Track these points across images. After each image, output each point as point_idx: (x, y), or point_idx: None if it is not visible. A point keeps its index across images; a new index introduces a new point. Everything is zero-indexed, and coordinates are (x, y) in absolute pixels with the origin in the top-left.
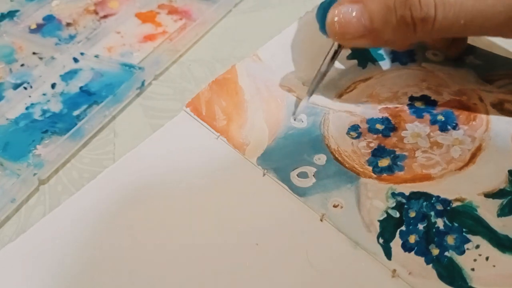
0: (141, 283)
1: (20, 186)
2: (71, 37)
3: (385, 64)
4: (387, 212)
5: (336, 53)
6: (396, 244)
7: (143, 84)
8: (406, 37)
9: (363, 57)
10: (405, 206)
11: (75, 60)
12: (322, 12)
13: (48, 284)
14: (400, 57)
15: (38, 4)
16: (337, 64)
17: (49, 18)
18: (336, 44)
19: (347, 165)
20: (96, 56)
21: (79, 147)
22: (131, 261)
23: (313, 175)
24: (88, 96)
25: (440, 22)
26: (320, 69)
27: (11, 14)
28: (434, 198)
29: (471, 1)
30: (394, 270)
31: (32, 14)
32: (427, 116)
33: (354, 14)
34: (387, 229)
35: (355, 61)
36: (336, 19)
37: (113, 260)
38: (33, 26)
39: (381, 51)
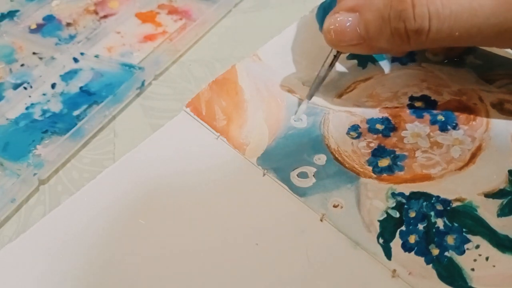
0: (141, 282)
1: (20, 186)
2: (71, 37)
3: (385, 64)
4: (387, 212)
5: (334, 58)
6: (396, 244)
7: (143, 84)
8: (401, 47)
9: (363, 57)
10: (405, 206)
11: (75, 60)
12: (322, 13)
13: (48, 284)
14: (400, 57)
15: (38, 4)
16: (337, 64)
17: (49, 18)
18: (334, 50)
19: (347, 165)
20: (96, 56)
21: (79, 147)
22: (131, 261)
23: (313, 175)
24: (88, 96)
25: (434, 34)
26: (319, 74)
27: (11, 14)
28: (434, 198)
29: (466, 13)
30: (394, 270)
31: (32, 14)
32: (427, 116)
33: (349, 23)
34: (387, 229)
35: (355, 61)
36: (332, 27)
37: (113, 259)
38: (33, 26)
39: None
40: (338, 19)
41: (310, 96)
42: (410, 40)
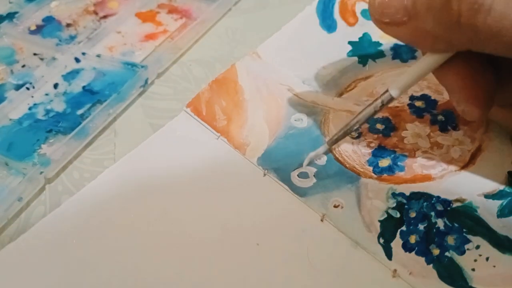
0: (141, 282)
1: (26, 185)
2: (72, 38)
3: (386, 61)
4: (387, 212)
5: (380, 107)
6: (396, 244)
7: (146, 82)
8: (449, 30)
9: (363, 54)
10: (406, 206)
11: (77, 60)
12: (323, 7)
13: (49, 284)
14: (401, 54)
15: (37, 6)
16: (338, 62)
17: (48, 19)
18: (386, 95)
19: (347, 165)
20: (98, 56)
21: (84, 145)
22: (132, 261)
23: (314, 175)
24: (91, 95)
25: (494, 18)
26: (350, 123)
27: (10, 16)
28: (434, 199)
29: None
30: (395, 270)
31: (31, 15)
32: (427, 116)
33: None
34: (388, 229)
35: (355, 58)
36: None
37: (113, 260)
38: (33, 27)
39: (382, 48)
40: None
41: (331, 143)
42: (461, 19)
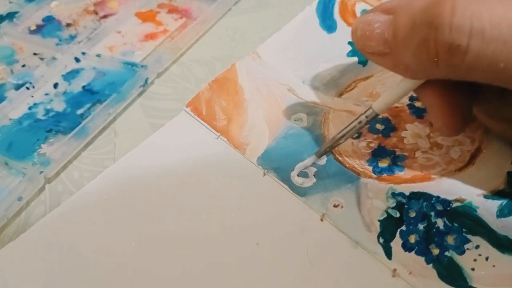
0: (141, 282)
1: (26, 184)
2: (72, 37)
3: None
4: (387, 212)
5: (360, 124)
6: (396, 243)
7: (146, 82)
8: (427, 68)
9: (363, 55)
10: (405, 206)
11: (77, 59)
12: (323, 7)
13: (48, 283)
14: None
15: (37, 5)
16: (338, 62)
17: (48, 19)
18: (369, 111)
19: (347, 165)
20: (98, 56)
21: (83, 145)
22: (131, 261)
23: (314, 175)
24: (91, 95)
25: (472, 58)
26: (337, 136)
27: (10, 16)
28: (434, 199)
29: None
30: (395, 270)
31: (31, 15)
32: (427, 117)
33: (379, 24)
34: (388, 228)
35: (355, 59)
36: (360, 25)
37: (113, 259)
38: (33, 27)
39: None
40: (369, 18)
41: (319, 155)
42: (439, 58)
